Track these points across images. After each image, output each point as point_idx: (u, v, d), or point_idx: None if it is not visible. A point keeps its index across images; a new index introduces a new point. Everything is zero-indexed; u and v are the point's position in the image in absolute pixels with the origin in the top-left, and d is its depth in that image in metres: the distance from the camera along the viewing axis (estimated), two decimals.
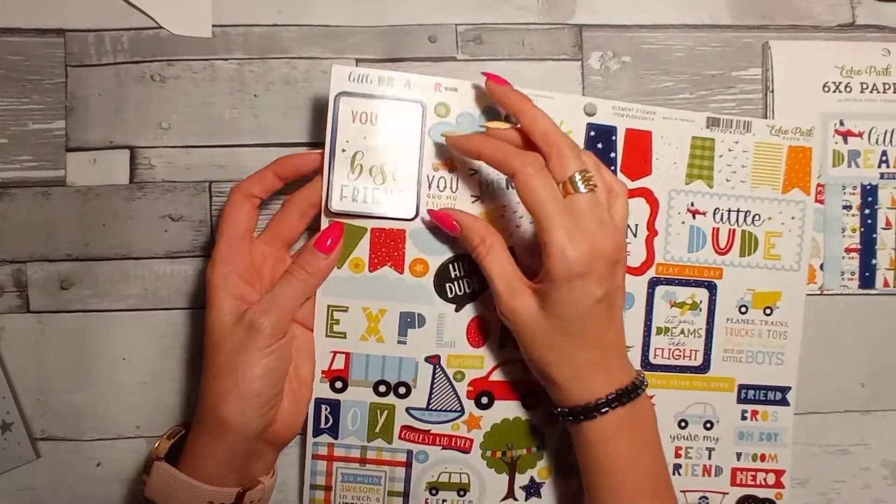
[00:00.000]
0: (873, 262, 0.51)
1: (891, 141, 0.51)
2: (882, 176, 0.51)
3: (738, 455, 0.50)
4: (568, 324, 0.41)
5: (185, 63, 0.50)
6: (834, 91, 0.51)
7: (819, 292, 0.51)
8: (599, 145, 0.48)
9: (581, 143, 0.48)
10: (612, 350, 0.43)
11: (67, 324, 0.49)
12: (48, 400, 0.49)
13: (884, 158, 0.51)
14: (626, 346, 0.45)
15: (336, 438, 0.48)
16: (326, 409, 0.48)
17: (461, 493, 0.49)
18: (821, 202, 0.51)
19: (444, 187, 0.47)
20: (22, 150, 0.49)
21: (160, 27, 0.50)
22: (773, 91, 0.51)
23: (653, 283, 0.49)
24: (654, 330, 0.49)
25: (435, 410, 0.48)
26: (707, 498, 0.50)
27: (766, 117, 0.51)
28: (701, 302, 0.50)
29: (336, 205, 0.45)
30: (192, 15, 0.50)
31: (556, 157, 0.41)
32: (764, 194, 0.50)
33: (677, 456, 0.50)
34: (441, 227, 0.45)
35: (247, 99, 0.50)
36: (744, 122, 0.49)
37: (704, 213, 0.50)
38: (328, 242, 0.44)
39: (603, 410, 0.42)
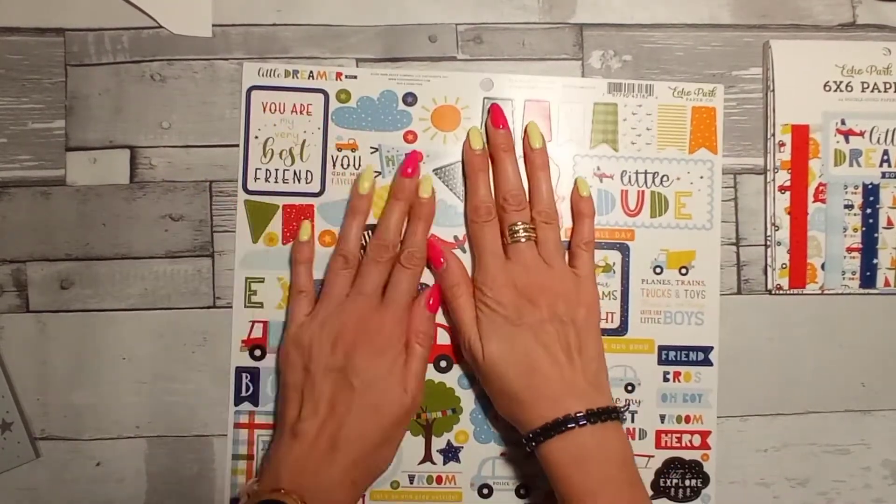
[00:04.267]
0: (874, 261, 0.51)
1: (892, 140, 0.51)
2: (883, 175, 0.51)
3: (662, 417, 0.50)
4: (501, 354, 0.45)
5: (185, 63, 0.50)
6: (835, 90, 0.51)
7: (820, 292, 0.51)
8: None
9: (479, 118, 0.50)
10: (557, 382, 0.44)
11: (67, 323, 0.49)
12: (48, 399, 0.49)
13: (885, 158, 0.51)
14: (597, 377, 0.45)
15: (256, 406, 0.49)
16: (247, 378, 0.49)
17: None
18: (822, 201, 0.51)
19: (348, 165, 0.50)
20: (22, 149, 0.49)
21: (160, 27, 0.50)
22: (773, 90, 0.51)
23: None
24: None
25: None
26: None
27: (767, 116, 0.51)
28: (614, 264, 0.50)
29: (252, 185, 0.50)
30: (192, 14, 0.50)
31: (505, 208, 0.47)
32: (671, 155, 0.50)
33: None
34: (430, 257, 0.48)
35: None
36: (646, 85, 0.50)
37: (611, 177, 0.50)
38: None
39: (561, 429, 0.42)
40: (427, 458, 0.49)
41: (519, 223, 0.47)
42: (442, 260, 0.48)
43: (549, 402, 0.43)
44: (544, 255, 0.47)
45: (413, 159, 0.48)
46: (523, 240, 0.46)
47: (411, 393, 0.46)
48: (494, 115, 0.49)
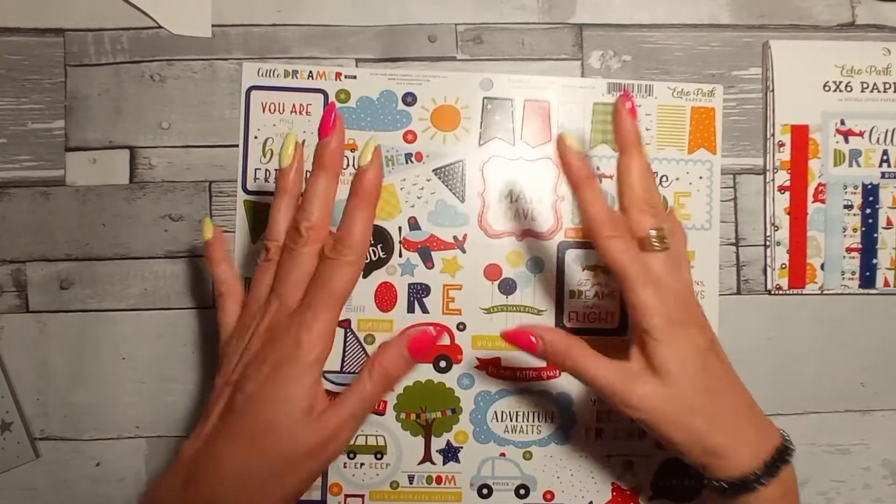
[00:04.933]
0: (874, 261, 0.51)
1: (891, 140, 0.51)
2: (883, 175, 0.51)
3: None
4: (689, 382, 0.37)
5: (185, 63, 0.50)
6: (834, 90, 0.51)
7: (819, 292, 0.51)
8: (497, 118, 0.50)
9: (477, 117, 0.50)
10: (747, 409, 0.40)
11: (67, 323, 0.49)
12: (48, 400, 0.49)
13: (885, 158, 0.51)
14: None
15: None
16: None
17: (378, 455, 0.49)
18: (822, 201, 0.51)
19: (347, 165, 0.50)
20: (21, 149, 0.49)
21: (160, 27, 0.50)
22: (773, 91, 0.51)
23: (562, 248, 0.50)
24: (567, 294, 0.50)
25: (348, 373, 0.49)
26: (632, 462, 0.50)
27: (766, 116, 0.51)
28: None
29: (251, 185, 0.50)
30: (192, 15, 0.50)
31: (636, 212, 0.39)
32: (670, 155, 0.51)
33: (599, 420, 0.50)
34: (520, 347, 0.40)
35: None
36: (645, 85, 0.51)
37: (611, 177, 0.50)
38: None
39: (762, 482, 0.37)
40: (426, 458, 0.49)
41: (653, 230, 0.39)
42: (534, 339, 0.39)
43: (749, 446, 0.38)
44: (674, 264, 0.40)
45: (329, 114, 0.38)
46: (659, 249, 0.38)
47: (329, 426, 0.35)
48: (623, 112, 0.39)
